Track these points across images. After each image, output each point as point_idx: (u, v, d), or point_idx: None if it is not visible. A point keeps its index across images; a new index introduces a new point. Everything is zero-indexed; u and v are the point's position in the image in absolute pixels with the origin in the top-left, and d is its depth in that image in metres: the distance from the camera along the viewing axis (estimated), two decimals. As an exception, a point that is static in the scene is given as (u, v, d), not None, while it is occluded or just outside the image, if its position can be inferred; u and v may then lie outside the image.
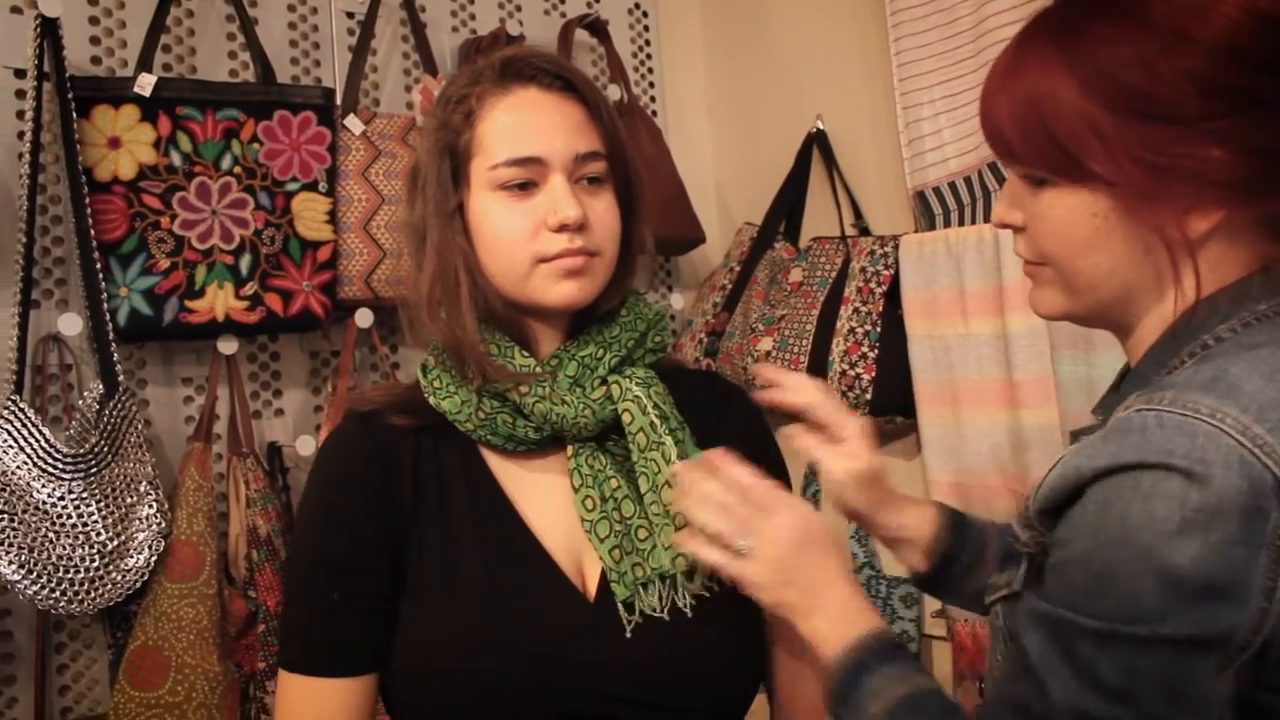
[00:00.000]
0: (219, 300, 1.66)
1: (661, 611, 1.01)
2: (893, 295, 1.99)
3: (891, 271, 2.00)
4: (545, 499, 1.06)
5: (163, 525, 1.60)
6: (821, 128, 2.21)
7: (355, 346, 1.84)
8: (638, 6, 2.39)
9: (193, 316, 1.65)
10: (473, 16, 2.13)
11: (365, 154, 1.82)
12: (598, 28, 2.20)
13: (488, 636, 0.99)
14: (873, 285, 2.02)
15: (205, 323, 1.66)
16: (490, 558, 1.02)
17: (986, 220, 1.91)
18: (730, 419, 1.16)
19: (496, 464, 1.07)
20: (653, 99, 2.40)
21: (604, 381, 1.06)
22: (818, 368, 2.03)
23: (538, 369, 1.04)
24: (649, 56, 2.40)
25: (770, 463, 1.16)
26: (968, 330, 1.89)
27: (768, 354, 2.10)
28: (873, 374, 1.98)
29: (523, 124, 1.04)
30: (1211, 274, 0.81)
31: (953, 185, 1.97)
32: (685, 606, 1.01)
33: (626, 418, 1.04)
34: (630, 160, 1.10)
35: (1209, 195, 0.77)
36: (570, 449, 1.05)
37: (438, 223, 1.06)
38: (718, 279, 2.30)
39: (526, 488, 1.07)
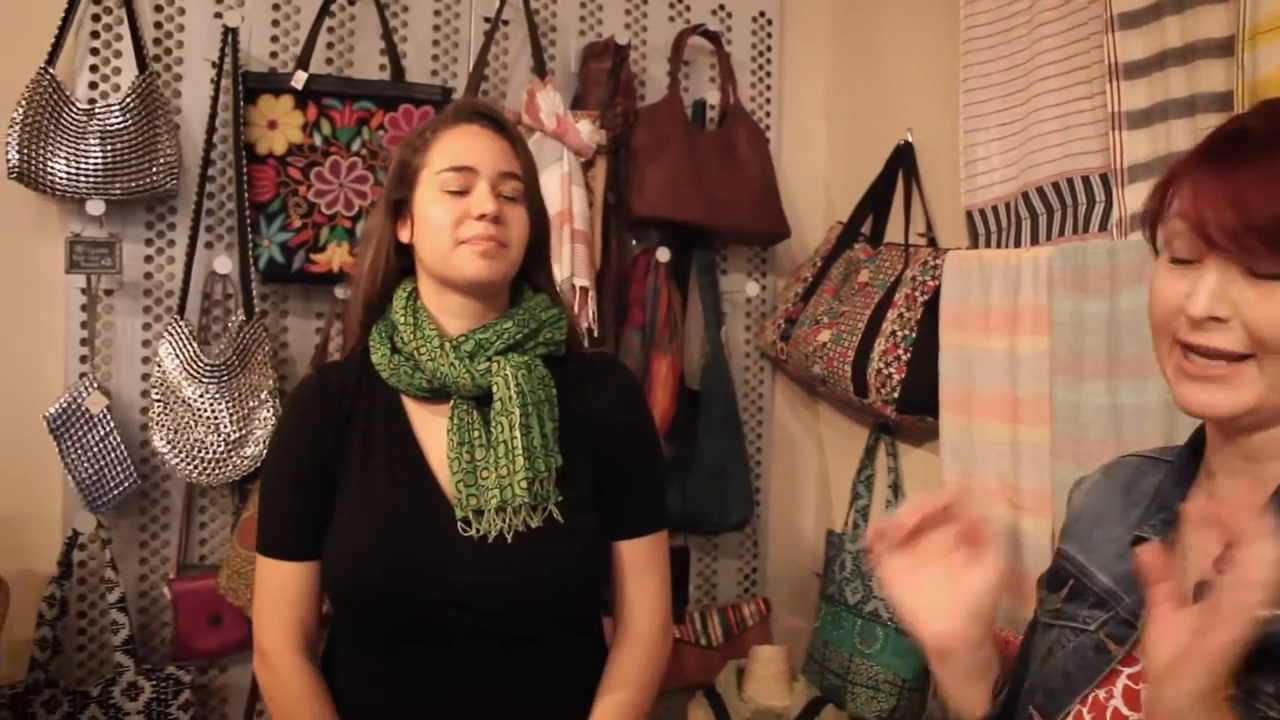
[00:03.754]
0: (336, 255, 2.10)
1: (506, 533, 1.33)
2: (933, 304, 2.16)
3: (936, 283, 2.17)
4: (441, 437, 1.40)
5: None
6: (910, 140, 2.38)
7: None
8: (763, 14, 2.61)
9: (314, 267, 2.09)
10: (600, 21, 2.44)
11: (473, 143, 2.19)
12: (712, 36, 2.46)
13: (381, 538, 1.36)
14: (918, 294, 2.19)
15: (324, 272, 2.10)
16: (394, 479, 1.39)
17: (1017, 245, 2.05)
18: (604, 389, 1.48)
19: (411, 408, 1.43)
20: (768, 100, 2.62)
21: (489, 359, 1.38)
22: (860, 363, 2.23)
23: (437, 340, 1.38)
24: (769, 61, 2.62)
25: (640, 424, 1.51)
26: (987, 345, 2.05)
27: (824, 345, 2.32)
28: (903, 374, 2.17)
29: (464, 144, 1.41)
30: None
31: (995, 209, 2.11)
32: (507, 534, 1.33)
33: (495, 389, 1.37)
34: (539, 195, 1.42)
35: None
36: (453, 402, 1.39)
37: (380, 212, 1.46)
38: (803, 271, 2.52)
39: (429, 427, 1.42)
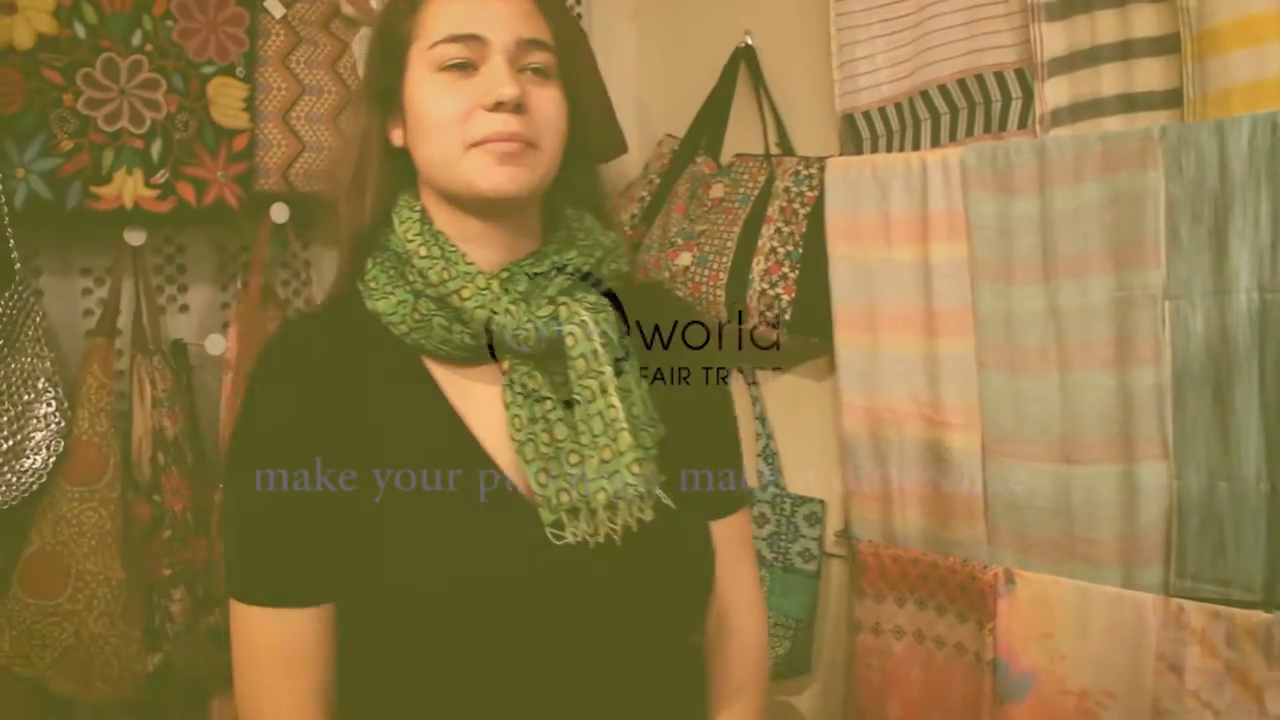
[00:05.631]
0: (127, 187, 1.56)
1: (597, 536, 0.98)
2: (816, 217, 2.00)
3: (816, 193, 2.00)
4: (492, 408, 1.01)
5: (62, 424, 1.52)
6: (750, 43, 2.18)
7: (269, 242, 1.75)
8: (566, -100, 2.29)
9: (99, 203, 1.54)
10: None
11: (286, 40, 1.72)
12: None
13: (469, 561, 0.97)
14: (796, 206, 2.02)
15: (113, 210, 1.55)
16: (438, 468, 0.99)
17: (915, 148, 1.92)
18: (678, 344, 1.15)
19: (440, 373, 1.04)
20: (578, 1, 2.32)
21: (552, 301, 1.02)
22: (737, 285, 2.02)
23: (482, 277, 1.00)
24: (575, -43, 2.32)
25: (719, 396, 1.19)
26: (890, 256, 1.91)
27: (686, 269, 2.09)
28: (792, 294, 1.99)
29: (466, 5, 1.00)
30: None
31: (883, 111, 1.97)
32: (616, 536, 0.98)
33: (570, 341, 0.99)
34: (583, 63, 1.06)
35: None
36: (507, 363, 1.01)
37: (363, 108, 1.04)
38: (636, 190, 2.27)
39: (472, 397, 1.03)
